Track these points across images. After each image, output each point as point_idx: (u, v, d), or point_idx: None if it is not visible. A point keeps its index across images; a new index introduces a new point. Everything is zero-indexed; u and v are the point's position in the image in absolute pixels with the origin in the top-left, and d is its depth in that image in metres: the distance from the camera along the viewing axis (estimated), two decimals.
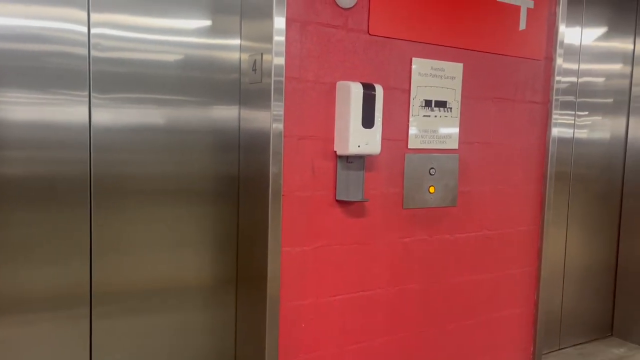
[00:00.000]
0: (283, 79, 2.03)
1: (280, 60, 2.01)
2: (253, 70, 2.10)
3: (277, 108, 2.02)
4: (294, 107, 2.10)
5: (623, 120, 3.75)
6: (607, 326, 3.88)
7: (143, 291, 2.11)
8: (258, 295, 2.11)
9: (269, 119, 2.01)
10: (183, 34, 2.09)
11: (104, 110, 1.96)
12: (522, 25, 2.70)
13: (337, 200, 2.24)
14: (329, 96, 2.18)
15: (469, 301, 2.73)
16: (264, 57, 2.03)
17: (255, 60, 2.09)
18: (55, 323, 1.96)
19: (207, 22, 2.14)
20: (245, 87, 2.17)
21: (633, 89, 3.73)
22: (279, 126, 2.03)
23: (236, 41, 2.18)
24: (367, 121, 2.15)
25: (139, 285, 2.10)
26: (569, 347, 3.62)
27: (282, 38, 2.02)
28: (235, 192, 2.24)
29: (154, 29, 2.04)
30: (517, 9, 2.67)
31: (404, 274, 2.50)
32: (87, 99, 1.93)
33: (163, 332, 2.17)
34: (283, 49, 2.02)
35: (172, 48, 2.07)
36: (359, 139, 2.14)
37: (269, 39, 2.01)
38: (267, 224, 2.06)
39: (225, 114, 2.19)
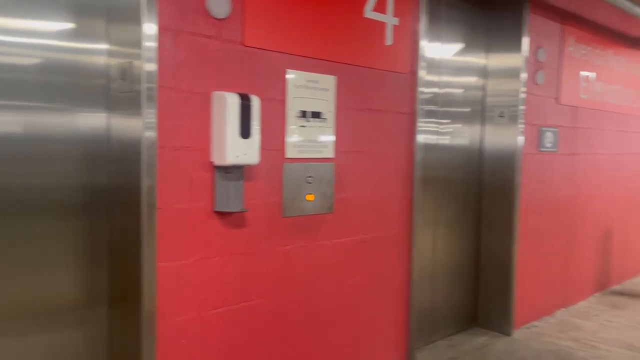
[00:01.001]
0: (155, 86, 1.97)
1: (152, 67, 1.95)
2: (122, 78, 2.01)
3: (150, 116, 1.95)
4: (169, 117, 2.04)
5: (479, 128, 4.14)
6: (472, 317, 4.23)
7: (4, 314, 1.91)
8: (133, 314, 2.01)
9: (141, 128, 1.94)
10: (43, 36, 1.94)
11: None
12: (389, 41, 2.88)
13: (216, 212, 2.21)
14: (205, 106, 2.15)
15: (348, 303, 2.83)
16: (135, 63, 1.96)
17: (124, 68, 2.00)
18: None
19: (70, 25, 2.00)
20: (115, 94, 2.07)
21: (487, 99, 4.13)
22: (152, 136, 1.96)
23: (103, 46, 2.07)
24: (245, 131, 2.15)
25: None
26: (440, 339, 3.90)
27: (154, 44, 1.96)
28: (105, 205, 2.12)
29: (11, 31, 1.87)
30: (383, 25, 2.84)
31: (286, 281, 2.53)
32: None
33: (30, 357, 1.98)
34: (154, 55, 1.96)
35: (32, 51, 1.92)
36: (237, 150, 2.14)
37: (138, 45, 1.94)
38: (140, 239, 1.98)
39: (92, 121, 2.06)
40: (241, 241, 2.33)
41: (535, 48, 4.06)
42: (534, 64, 4.08)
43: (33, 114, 1.92)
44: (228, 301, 2.30)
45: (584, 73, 4.68)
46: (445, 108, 3.82)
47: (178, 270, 2.12)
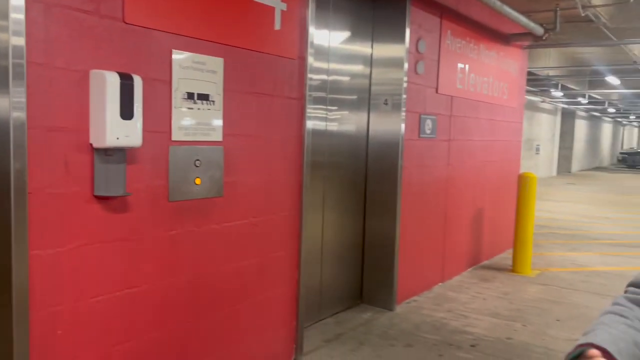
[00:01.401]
0: (24, 62, 1.82)
1: (19, 41, 1.81)
2: None
3: (18, 95, 1.81)
4: (40, 96, 1.91)
5: (365, 115, 4.31)
6: (358, 294, 4.45)
7: None
8: (4, 306, 1.87)
9: (8, 108, 1.79)
10: None
11: None
12: (277, 26, 2.90)
13: (95, 196, 2.11)
14: (83, 85, 2.04)
15: (238, 285, 2.85)
16: (0, 36, 1.80)
17: None
18: None
19: None
20: None
21: (372, 87, 4.32)
22: (21, 116, 1.83)
23: None
24: (126, 112, 2.07)
25: None
26: (328, 317, 4.06)
27: (21, 16, 1.81)
28: None
29: None
30: (271, 9, 2.85)
31: (173, 267, 2.49)
32: None
33: None
34: (23, 28, 1.82)
35: None
36: (118, 131, 2.05)
37: (5, 16, 1.78)
38: (9, 226, 1.84)
39: None
40: (124, 226, 2.25)
41: (416, 39, 4.30)
42: (415, 55, 4.32)
43: None
44: (110, 289, 2.22)
45: (460, 65, 5.04)
46: (333, 95, 3.94)
47: (53, 258, 2.00)
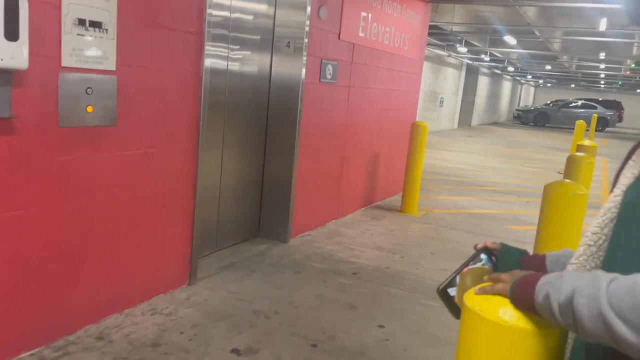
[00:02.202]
0: None
1: None
2: None
3: None
4: None
5: (268, 57, 4.42)
6: (255, 229, 4.69)
7: None
8: None
9: None
10: None
11: None
12: None
13: None
14: None
15: (132, 213, 2.96)
16: None
17: None
18: None
19: None
20: None
21: (276, 29, 4.41)
22: None
23: None
24: (10, 33, 2.06)
25: None
26: (225, 248, 4.28)
27: None
28: None
29: None
30: None
31: (64, 191, 2.55)
32: None
33: None
34: None
35: None
36: (3, 52, 2.05)
37: None
38: None
39: None
40: (9, 149, 2.27)
41: None
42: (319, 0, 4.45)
43: None
44: None
45: (363, 13, 5.24)
46: (236, 34, 3.99)
47: None
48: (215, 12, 3.42)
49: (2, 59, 2.05)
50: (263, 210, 4.71)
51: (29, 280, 2.47)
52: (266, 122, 4.56)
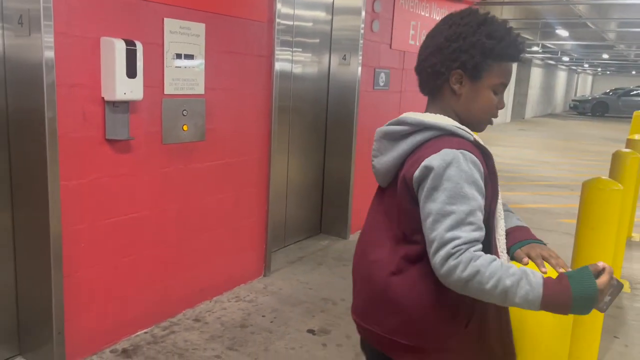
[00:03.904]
0: (52, 32, 2.30)
1: (48, 19, 2.27)
2: (19, 23, 2.30)
3: (49, 59, 2.30)
4: (64, 59, 2.39)
5: (327, 60, 4.83)
6: (318, 226, 5.13)
7: None
8: (41, 222, 2.43)
9: (42, 70, 2.28)
10: None
11: None
12: None
13: (107, 139, 2.64)
14: (95, 50, 2.52)
15: (218, 214, 3.46)
16: (31, 13, 2.26)
17: (21, 15, 2.29)
18: None
19: None
20: (10, 39, 2.35)
21: (333, 33, 4.82)
22: (52, 75, 2.32)
23: None
24: (131, 72, 2.57)
25: None
26: (292, 244, 4.74)
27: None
28: (7, 135, 2.45)
29: None
30: None
31: (165, 197, 3.07)
32: None
33: None
34: (50, 5, 2.28)
35: None
36: (125, 88, 2.56)
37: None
38: (45, 163, 2.37)
39: None
40: (128, 164, 2.80)
41: (372, 0, 4.80)
42: (371, 14, 4.83)
43: None
44: (118, 213, 2.80)
45: (412, 22, 5.58)
46: (299, 38, 4.40)
47: (76, 188, 2.55)
48: (282, 21, 3.79)
49: (124, 93, 2.57)
50: (324, 209, 5.14)
51: (142, 271, 3.00)
52: (325, 126, 4.99)
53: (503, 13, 11.40)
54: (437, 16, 6.10)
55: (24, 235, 2.55)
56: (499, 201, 1.42)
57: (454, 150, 1.27)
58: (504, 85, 1.41)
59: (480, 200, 1.26)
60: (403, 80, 5.62)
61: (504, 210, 1.51)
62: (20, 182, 2.50)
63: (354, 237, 5.05)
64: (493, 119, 1.46)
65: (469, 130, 1.37)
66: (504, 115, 21.36)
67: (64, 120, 2.43)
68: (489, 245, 1.35)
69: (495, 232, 1.38)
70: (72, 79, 2.45)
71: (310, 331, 3.17)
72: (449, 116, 1.41)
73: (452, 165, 1.25)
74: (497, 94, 1.41)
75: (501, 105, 1.43)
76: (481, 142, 1.38)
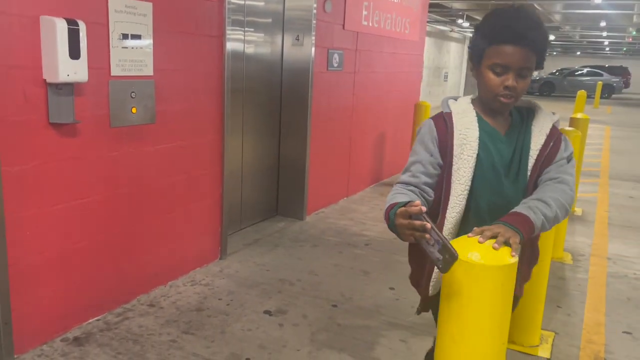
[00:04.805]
0: None
1: None
2: None
3: None
4: (1, 39, 2.27)
5: (280, 40, 4.78)
6: (274, 208, 5.13)
7: None
8: None
9: None
10: None
11: None
12: None
13: (50, 123, 2.55)
14: (35, 29, 2.41)
15: (170, 198, 3.41)
16: None
17: None
18: None
19: None
20: None
21: (286, 13, 4.76)
22: None
23: None
24: (74, 53, 2.48)
25: None
26: (248, 226, 4.73)
27: None
28: None
29: None
30: None
31: (115, 182, 2.99)
32: None
33: None
34: None
35: None
36: (68, 69, 2.47)
37: None
38: None
39: None
40: (75, 148, 2.71)
41: None
42: None
43: None
44: (66, 198, 2.71)
45: (365, 3, 5.58)
46: (251, 18, 4.32)
47: (19, 173, 2.45)
48: (233, 0, 3.67)
49: (68, 75, 2.47)
50: (280, 191, 5.14)
51: (93, 258, 2.93)
52: (280, 107, 4.96)
53: None
54: None
55: None
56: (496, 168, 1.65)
57: (428, 119, 1.72)
58: (500, 65, 1.57)
59: (422, 155, 1.67)
60: (357, 61, 5.63)
61: (548, 183, 1.65)
62: None
63: (311, 218, 5.09)
64: (505, 99, 1.60)
65: (452, 105, 1.71)
66: (457, 94, 21.75)
67: (3, 103, 2.32)
68: (439, 199, 1.68)
69: (450, 189, 1.64)
70: (11, 60, 2.34)
71: (267, 312, 3.19)
72: (478, 97, 1.71)
73: (420, 129, 1.72)
74: (499, 74, 1.58)
75: (509, 82, 1.57)
76: (454, 115, 1.68)
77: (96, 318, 2.99)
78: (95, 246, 2.93)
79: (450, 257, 1.28)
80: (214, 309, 3.20)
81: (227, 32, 3.61)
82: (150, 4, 2.99)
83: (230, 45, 3.70)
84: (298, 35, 4.74)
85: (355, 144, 5.91)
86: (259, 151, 4.83)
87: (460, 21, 15.81)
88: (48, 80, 2.47)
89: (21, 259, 2.53)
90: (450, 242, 1.31)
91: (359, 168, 6.11)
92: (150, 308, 3.16)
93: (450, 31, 18.68)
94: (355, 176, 6.06)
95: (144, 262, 3.28)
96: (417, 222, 1.34)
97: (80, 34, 2.50)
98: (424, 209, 1.35)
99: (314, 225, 4.88)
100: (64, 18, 2.45)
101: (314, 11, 4.65)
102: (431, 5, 8.98)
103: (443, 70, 19.38)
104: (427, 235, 1.32)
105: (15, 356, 2.57)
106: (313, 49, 4.72)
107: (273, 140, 4.99)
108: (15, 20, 2.33)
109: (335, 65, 5.22)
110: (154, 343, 2.79)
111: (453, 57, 20.57)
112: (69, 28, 2.44)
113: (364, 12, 5.59)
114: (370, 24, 5.76)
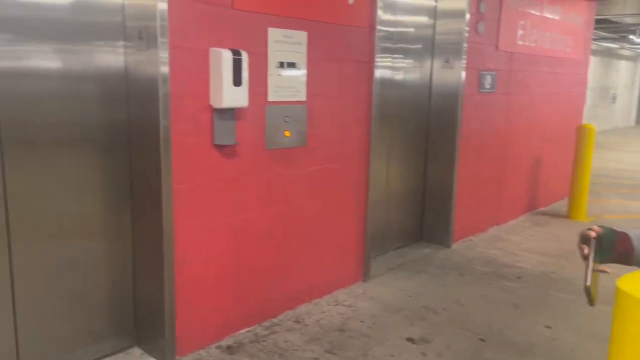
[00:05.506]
0: (167, 45, 2.47)
1: (164, 36, 2.45)
2: (139, 38, 2.51)
3: (164, 72, 2.47)
4: (177, 70, 2.56)
5: (429, 65, 4.73)
6: (418, 233, 5.03)
7: (54, 229, 2.49)
8: (156, 223, 2.62)
9: (158, 82, 2.46)
10: None
11: None
12: (351, 0, 3.41)
13: (214, 145, 2.79)
14: (204, 60, 2.68)
15: (318, 218, 3.51)
16: (149, 29, 2.45)
17: (140, 30, 2.49)
18: None
19: None
20: (132, 51, 2.57)
21: (436, 37, 4.71)
22: (166, 86, 2.50)
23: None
24: (237, 81, 2.70)
25: (50, 223, 2.47)
26: (392, 250, 4.69)
27: (165, 8, 2.44)
28: (126, 140, 2.67)
29: None
30: None
31: (268, 201, 3.17)
32: None
33: (77, 260, 2.58)
34: (166, 23, 2.46)
35: None
36: (231, 96, 2.69)
37: (152, 16, 2.42)
38: (159, 167, 2.55)
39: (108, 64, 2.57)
40: (234, 168, 2.93)
41: (477, 0, 4.64)
42: (476, 15, 4.67)
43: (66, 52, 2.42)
44: (225, 214, 2.93)
45: (521, 22, 5.30)
46: (400, 44, 4.35)
47: (187, 190, 2.71)
48: (383, 28, 3.76)
49: (231, 101, 2.70)
50: (425, 216, 5.03)
51: (247, 272, 3.12)
52: (427, 131, 4.88)
53: (626, 8, 10.49)
54: (550, 14, 5.75)
55: (140, 235, 2.75)
56: None
57: None
58: None
59: None
60: (511, 82, 5.35)
61: None
62: (138, 186, 2.71)
63: (457, 246, 4.89)
64: None
65: None
66: (627, 118, 19.61)
67: (176, 128, 2.60)
68: None
69: None
70: (184, 89, 2.61)
71: (410, 339, 3.10)
72: None
73: None
74: None
75: None
76: None
77: (247, 329, 3.16)
78: (248, 261, 3.12)
79: (588, 298, 1.32)
80: (356, 331, 3.19)
81: (376, 59, 3.67)
82: (305, 33, 3.16)
83: (378, 72, 3.75)
84: (448, 58, 4.65)
85: (507, 169, 5.59)
86: (405, 175, 4.79)
87: (632, 37, 14.27)
88: (214, 106, 2.72)
89: (186, 269, 2.78)
90: (632, 273, 1.20)
91: (511, 195, 5.75)
92: (295, 324, 3.26)
93: (620, 48, 16.96)
94: (507, 203, 5.71)
95: (291, 279, 3.41)
96: (583, 246, 1.35)
97: (243, 63, 2.71)
98: (593, 234, 1.33)
99: (460, 253, 4.68)
100: (230, 49, 2.68)
101: (466, 34, 4.54)
102: (598, 22, 8.25)
103: (611, 90, 17.60)
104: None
105: (177, 357, 2.81)
106: (463, 71, 4.59)
107: (419, 164, 4.92)
108: (188, 53, 2.61)
109: (487, 87, 5.01)
110: (298, 359, 2.86)
111: (623, 76, 18.61)
112: (233, 58, 2.66)
113: (520, 32, 5.31)
114: (527, 43, 5.45)
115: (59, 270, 2.54)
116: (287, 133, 3.17)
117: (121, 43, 2.58)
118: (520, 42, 5.35)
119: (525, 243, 5.01)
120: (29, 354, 2.49)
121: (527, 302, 3.67)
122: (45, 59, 2.36)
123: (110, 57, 2.56)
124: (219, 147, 2.82)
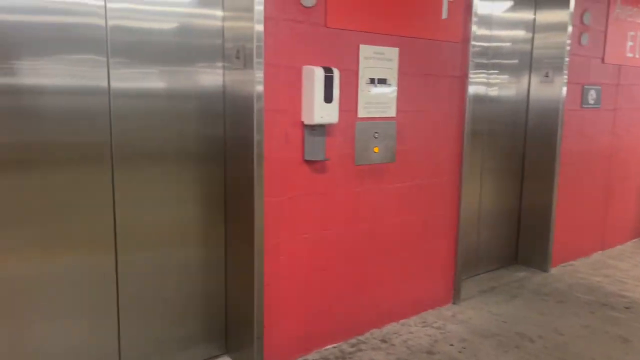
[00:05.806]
0: (262, 63, 2.57)
1: (260, 57, 2.54)
2: (237, 57, 2.63)
3: (259, 88, 2.57)
4: (271, 87, 2.65)
5: (526, 80, 4.53)
6: (513, 256, 4.78)
7: (155, 237, 2.65)
8: (247, 234, 2.70)
9: (253, 99, 2.56)
10: (176, 4, 2.57)
11: None
12: (444, 15, 3.35)
13: (305, 160, 2.84)
14: (297, 77, 2.75)
15: (406, 236, 3.45)
16: (246, 51, 2.56)
17: (238, 50, 2.61)
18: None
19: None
20: (229, 71, 2.69)
21: (534, 52, 4.51)
22: (261, 103, 2.59)
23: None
24: (328, 97, 2.74)
25: (151, 232, 2.63)
26: (484, 273, 4.49)
27: (261, 29, 2.54)
28: (222, 154, 2.80)
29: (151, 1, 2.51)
30: (440, 1, 3.31)
31: (356, 217, 3.16)
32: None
33: (174, 267, 2.72)
34: (262, 43, 2.55)
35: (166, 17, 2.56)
36: (322, 112, 2.74)
37: (249, 38, 2.53)
38: (252, 180, 2.64)
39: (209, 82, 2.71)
40: (323, 183, 2.96)
41: (580, 12, 4.39)
42: (579, 27, 4.41)
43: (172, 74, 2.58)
44: (313, 229, 2.96)
45: (631, 33, 4.94)
46: (494, 60, 4.22)
47: (278, 204, 2.78)
48: (477, 43, 3.65)
49: (322, 117, 2.74)
50: (521, 237, 4.77)
51: (333, 287, 3.12)
52: (523, 149, 4.66)
53: None
54: None
55: (232, 247, 2.85)
56: None
57: None
58: None
59: None
60: (618, 97, 4.99)
61: None
62: (232, 198, 2.81)
63: (556, 270, 4.59)
64: None
65: None
66: None
67: (269, 143, 2.68)
68: None
69: None
70: (277, 105, 2.69)
71: None
72: None
73: None
74: None
75: None
76: None
77: (333, 345, 3.16)
78: (335, 276, 3.12)
79: None
80: (445, 354, 3.08)
81: (470, 74, 3.58)
82: (396, 49, 3.15)
83: (472, 88, 3.65)
84: (547, 72, 4.42)
85: (614, 190, 5.18)
86: (499, 194, 4.59)
87: None
88: (305, 122, 2.77)
89: (274, 280, 2.84)
90: None
91: (618, 218, 5.32)
92: (382, 343, 3.20)
93: None
94: (614, 227, 5.28)
95: (379, 297, 3.37)
96: None
97: (334, 80, 2.75)
98: None
99: (559, 279, 4.38)
100: (322, 66, 2.73)
101: (567, 47, 4.30)
102: None
103: None
104: None
105: None
106: (564, 86, 4.35)
107: (514, 183, 4.69)
108: (282, 71, 2.69)
109: (592, 102, 4.70)
110: None
111: None
112: (325, 75, 2.71)
113: (629, 43, 4.95)
114: (637, 56, 5.06)
115: (158, 276, 2.69)
116: (376, 149, 3.16)
117: (220, 64, 2.72)
118: (629, 55, 4.98)
119: (635, 270, 4.60)
120: (129, 356, 2.65)
121: (637, 336, 3.35)
122: (153, 80, 2.54)
123: (210, 77, 2.71)
124: (309, 163, 2.87)
